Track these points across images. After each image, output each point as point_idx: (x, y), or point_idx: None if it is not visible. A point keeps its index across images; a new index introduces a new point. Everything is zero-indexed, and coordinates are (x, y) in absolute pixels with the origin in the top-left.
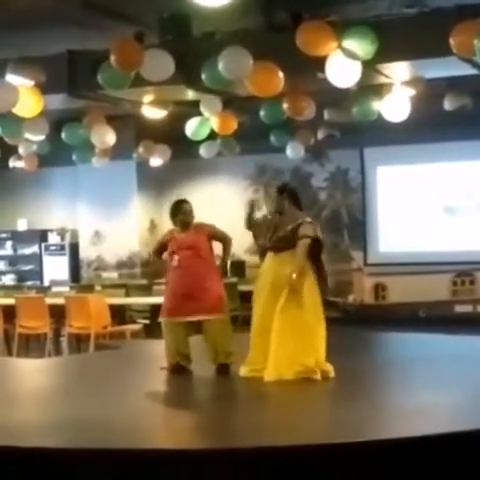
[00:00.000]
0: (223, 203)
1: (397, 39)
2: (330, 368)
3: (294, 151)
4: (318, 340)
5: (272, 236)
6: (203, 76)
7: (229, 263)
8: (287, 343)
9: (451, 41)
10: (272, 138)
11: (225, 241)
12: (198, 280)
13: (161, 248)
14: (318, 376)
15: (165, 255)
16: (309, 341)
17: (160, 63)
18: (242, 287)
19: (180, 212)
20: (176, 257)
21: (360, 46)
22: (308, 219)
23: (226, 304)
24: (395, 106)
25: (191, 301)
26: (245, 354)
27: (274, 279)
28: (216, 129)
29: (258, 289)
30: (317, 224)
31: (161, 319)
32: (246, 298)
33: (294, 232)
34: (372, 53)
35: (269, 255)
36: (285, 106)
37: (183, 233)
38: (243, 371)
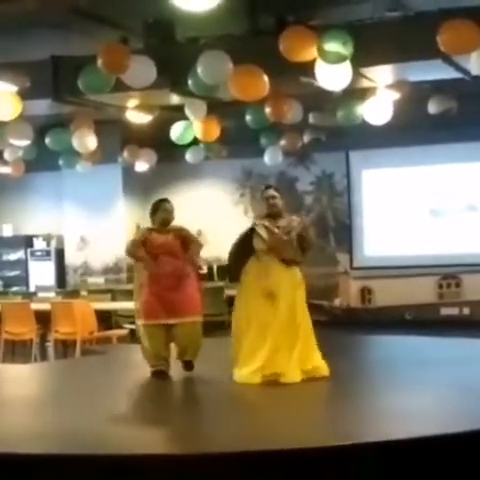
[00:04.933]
0: (209, 207)
1: (381, 43)
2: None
3: (272, 157)
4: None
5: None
6: (189, 82)
7: (215, 267)
8: (301, 343)
9: (438, 39)
10: (262, 141)
11: (195, 243)
12: (177, 283)
13: (138, 247)
14: (327, 372)
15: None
16: (313, 340)
17: (142, 69)
18: (229, 291)
19: (161, 210)
20: (157, 261)
21: (334, 50)
22: (299, 219)
23: (202, 307)
24: (377, 109)
25: (170, 303)
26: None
27: (284, 290)
28: (199, 136)
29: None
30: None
31: (139, 322)
32: (233, 302)
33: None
34: (346, 57)
35: (277, 264)
36: (267, 110)
37: (160, 234)
38: (254, 377)
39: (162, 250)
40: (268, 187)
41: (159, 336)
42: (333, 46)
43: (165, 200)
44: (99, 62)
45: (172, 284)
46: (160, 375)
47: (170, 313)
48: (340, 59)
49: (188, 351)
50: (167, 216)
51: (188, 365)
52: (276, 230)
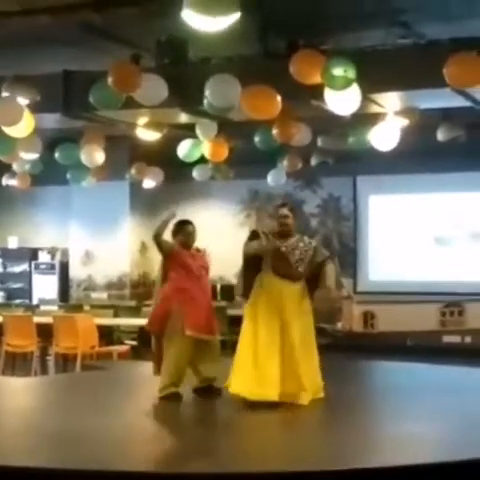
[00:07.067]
0: (215, 227)
1: (392, 69)
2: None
3: (275, 178)
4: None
5: (297, 264)
6: (204, 102)
7: (219, 287)
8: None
9: (445, 72)
10: (279, 164)
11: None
12: (210, 301)
13: (172, 256)
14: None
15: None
16: (314, 361)
17: (154, 88)
18: (231, 311)
19: (182, 233)
20: (200, 281)
21: (337, 76)
22: (314, 242)
23: None
24: (384, 135)
25: (211, 320)
26: None
27: (288, 306)
28: (207, 156)
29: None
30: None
31: (189, 333)
32: (235, 322)
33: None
34: (349, 84)
35: (280, 282)
36: (275, 132)
37: (193, 255)
38: (271, 395)
39: (199, 264)
40: (283, 205)
41: (189, 353)
42: (335, 72)
43: (187, 222)
44: (109, 80)
45: (209, 300)
46: (176, 398)
47: (211, 329)
48: (343, 85)
49: (213, 372)
50: (187, 240)
51: (216, 390)
52: (276, 241)
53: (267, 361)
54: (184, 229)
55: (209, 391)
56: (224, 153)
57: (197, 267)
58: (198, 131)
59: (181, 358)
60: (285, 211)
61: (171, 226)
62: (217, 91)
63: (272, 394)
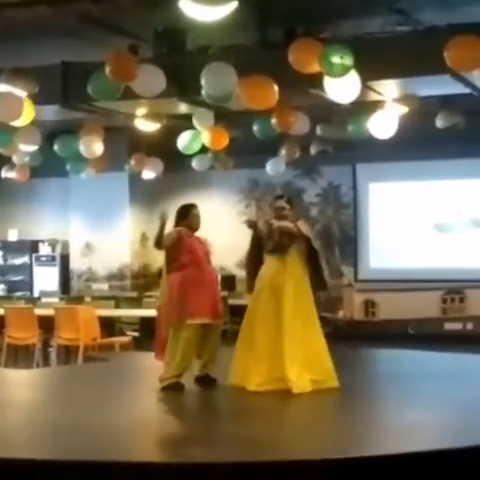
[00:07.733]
0: (215, 216)
1: (390, 56)
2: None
3: (274, 168)
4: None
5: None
6: (202, 92)
7: (219, 277)
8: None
9: (445, 55)
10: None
11: None
12: (216, 285)
13: (177, 244)
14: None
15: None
16: (320, 346)
17: (152, 78)
18: (232, 301)
19: (189, 216)
20: (203, 266)
21: (334, 63)
22: (309, 233)
23: None
24: (383, 123)
25: (217, 303)
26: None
27: (275, 282)
28: (207, 144)
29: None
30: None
31: (190, 322)
32: (236, 312)
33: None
34: (346, 71)
35: (270, 259)
36: (273, 121)
37: (198, 241)
38: (255, 385)
39: (207, 259)
40: (280, 197)
41: (195, 342)
42: (333, 60)
43: (193, 205)
44: (107, 70)
45: (215, 286)
46: (178, 388)
47: (220, 313)
48: (341, 72)
49: (212, 360)
50: (194, 222)
51: (211, 381)
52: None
53: (242, 351)
54: (191, 212)
55: (207, 380)
56: (224, 141)
57: (203, 251)
58: (195, 121)
59: (188, 348)
60: (282, 203)
61: (175, 211)
62: (213, 79)
63: (251, 383)
